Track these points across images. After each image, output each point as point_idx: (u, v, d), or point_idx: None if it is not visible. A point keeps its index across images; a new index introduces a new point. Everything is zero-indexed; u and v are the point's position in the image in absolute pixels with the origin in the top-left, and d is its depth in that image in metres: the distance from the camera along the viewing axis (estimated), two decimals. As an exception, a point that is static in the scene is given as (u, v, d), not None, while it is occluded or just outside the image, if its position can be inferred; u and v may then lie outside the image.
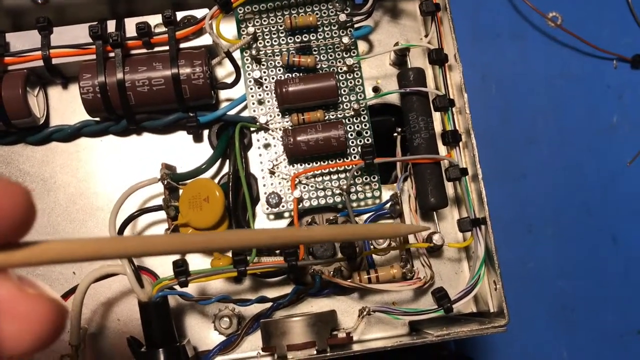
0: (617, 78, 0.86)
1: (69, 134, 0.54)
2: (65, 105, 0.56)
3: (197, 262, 0.52)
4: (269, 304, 0.51)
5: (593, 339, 0.82)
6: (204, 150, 0.55)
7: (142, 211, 0.51)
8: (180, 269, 0.47)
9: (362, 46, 0.57)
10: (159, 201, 0.53)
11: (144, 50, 0.53)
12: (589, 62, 0.87)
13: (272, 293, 0.52)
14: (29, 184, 0.54)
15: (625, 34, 0.87)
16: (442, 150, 0.53)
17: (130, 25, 0.53)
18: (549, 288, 0.82)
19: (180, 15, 0.54)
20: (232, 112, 0.54)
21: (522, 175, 0.82)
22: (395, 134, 0.55)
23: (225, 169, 0.55)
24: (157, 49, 0.53)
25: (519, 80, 0.85)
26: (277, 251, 0.52)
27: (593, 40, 0.86)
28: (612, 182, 0.83)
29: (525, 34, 0.87)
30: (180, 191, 0.53)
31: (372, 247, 0.53)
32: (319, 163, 0.53)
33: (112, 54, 0.52)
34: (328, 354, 0.46)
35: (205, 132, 0.56)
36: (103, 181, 0.55)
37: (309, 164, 0.53)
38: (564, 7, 0.87)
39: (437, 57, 0.51)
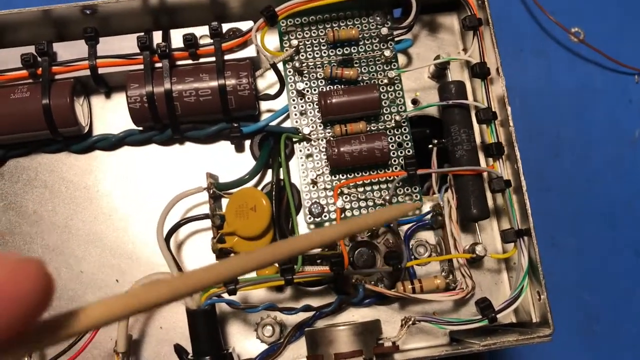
0: (638, 92, 0.87)
1: (113, 143, 0.55)
2: (109, 115, 0.57)
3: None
4: (311, 313, 0.51)
5: (616, 350, 0.82)
6: (245, 160, 0.56)
7: (188, 220, 0.52)
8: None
9: (401, 59, 0.58)
10: (201, 210, 0.54)
11: (189, 61, 0.54)
12: (611, 76, 0.88)
13: (313, 302, 0.53)
14: (72, 192, 0.55)
15: (647, 48, 0.88)
16: (483, 161, 0.54)
17: (175, 36, 0.54)
18: (572, 300, 0.82)
19: (225, 27, 0.54)
20: (274, 122, 0.55)
21: (547, 188, 0.83)
22: (431, 145, 0.56)
23: (267, 179, 0.55)
24: (202, 60, 0.54)
25: (543, 95, 0.86)
26: (319, 260, 0.52)
27: (615, 55, 0.87)
28: (635, 196, 0.84)
29: (548, 49, 0.88)
30: (224, 200, 0.53)
31: (413, 257, 0.53)
32: (360, 174, 0.54)
33: (158, 65, 0.53)
34: (375, 363, 0.47)
35: (247, 142, 0.56)
36: (146, 190, 0.55)
37: (350, 175, 0.54)
38: (587, 23, 0.88)
39: (480, 71, 0.52)
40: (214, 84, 0.52)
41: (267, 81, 0.57)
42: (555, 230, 0.83)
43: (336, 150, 0.52)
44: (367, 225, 0.42)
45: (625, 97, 0.87)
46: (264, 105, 0.57)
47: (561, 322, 0.82)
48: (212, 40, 0.53)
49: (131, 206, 0.55)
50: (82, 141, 0.55)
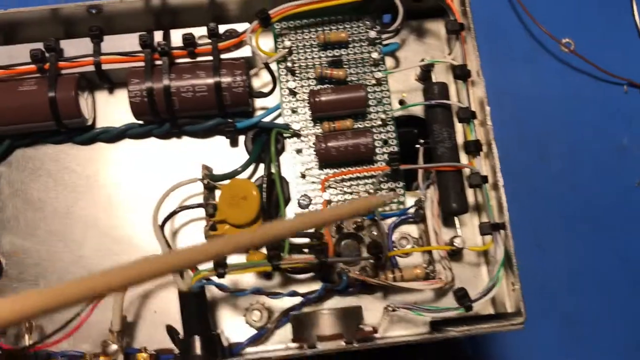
0: (627, 102, 0.90)
1: (115, 135, 0.58)
2: (111, 109, 0.60)
3: (234, 257, 0.55)
4: (298, 299, 0.54)
5: (601, 353, 0.84)
6: (239, 154, 0.59)
7: (183, 208, 0.55)
8: (219, 261, 0.50)
9: (389, 62, 0.61)
10: (196, 200, 0.57)
11: (188, 60, 0.57)
12: (600, 86, 0.90)
13: (300, 289, 0.55)
14: (75, 181, 0.58)
15: (636, 59, 0.91)
16: (464, 159, 0.57)
17: (174, 36, 0.57)
18: (558, 303, 0.85)
19: (222, 28, 0.57)
20: (267, 119, 0.58)
21: (533, 191, 0.86)
22: (418, 145, 0.59)
23: (259, 172, 0.58)
24: (199, 58, 0.57)
25: (533, 102, 0.89)
26: (306, 250, 0.55)
27: (604, 66, 0.89)
28: (621, 202, 0.86)
29: (539, 58, 0.91)
30: (217, 191, 0.56)
31: (395, 248, 0.56)
32: (347, 168, 0.57)
33: (158, 62, 0.56)
34: (355, 346, 0.49)
35: (241, 138, 0.59)
36: (144, 180, 0.58)
37: (338, 169, 0.57)
38: (577, 33, 0.91)
39: (461, 73, 0.55)
40: (210, 81, 0.55)
41: (261, 80, 0.60)
42: (540, 232, 0.86)
43: (324, 145, 0.55)
44: (349, 213, 0.45)
45: (614, 107, 0.90)
46: (258, 102, 0.60)
47: (546, 324, 0.84)
48: (209, 40, 0.56)
49: (130, 195, 0.58)
50: (85, 133, 0.58)
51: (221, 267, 0.50)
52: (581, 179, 0.87)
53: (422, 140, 0.59)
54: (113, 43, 0.57)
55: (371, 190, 0.55)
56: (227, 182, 0.56)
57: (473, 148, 0.53)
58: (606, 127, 0.89)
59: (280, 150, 0.58)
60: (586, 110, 0.89)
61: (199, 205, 0.55)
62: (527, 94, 0.89)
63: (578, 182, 0.86)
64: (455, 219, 0.56)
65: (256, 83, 0.60)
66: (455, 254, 0.56)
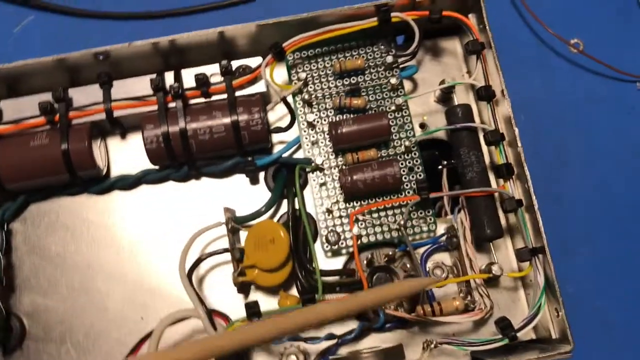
0: (641, 99, 0.88)
1: (131, 183, 0.56)
2: (124, 154, 0.58)
3: (265, 303, 0.53)
4: (334, 341, 0.52)
5: (635, 356, 0.82)
6: (260, 192, 0.57)
7: (209, 254, 0.53)
8: (253, 310, 0.48)
9: (406, 85, 0.59)
10: (220, 243, 0.55)
11: (202, 100, 0.55)
12: (612, 85, 0.89)
13: (334, 329, 0.53)
14: (93, 232, 0.56)
15: (646, 56, 0.89)
16: (493, 181, 0.55)
17: (185, 75, 0.56)
18: (587, 308, 0.83)
19: (234, 64, 0.56)
20: (286, 154, 0.56)
21: (556, 198, 0.84)
22: (440, 167, 0.57)
23: (282, 209, 0.56)
24: (213, 97, 0.55)
25: (546, 106, 0.87)
26: (338, 288, 0.53)
27: (615, 64, 0.88)
28: (645, 201, 0.85)
29: (548, 62, 0.89)
30: (242, 233, 0.55)
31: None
32: (374, 200, 0.55)
33: (171, 105, 0.54)
34: (400, 387, 0.48)
35: (261, 174, 0.57)
36: (165, 226, 0.56)
37: (364, 201, 0.55)
38: (585, 34, 0.89)
39: (486, 94, 0.53)
40: (227, 120, 0.53)
41: (276, 114, 0.58)
42: (566, 238, 0.84)
43: (349, 179, 0.53)
44: (392, 297, 0.43)
45: (628, 105, 0.88)
46: (276, 137, 0.58)
47: (578, 330, 0.83)
48: (222, 78, 0.55)
49: (152, 243, 0.56)
50: (101, 182, 0.56)
51: (255, 316, 0.48)
52: (604, 181, 0.85)
53: (445, 162, 0.57)
54: (123, 88, 0.55)
55: (401, 221, 0.53)
56: (251, 223, 0.54)
57: (505, 172, 0.52)
58: (622, 125, 0.88)
59: (303, 185, 0.56)
60: (601, 111, 0.88)
61: (225, 250, 0.53)
62: (540, 99, 0.88)
63: (601, 184, 0.85)
64: (490, 244, 0.54)
65: (271, 117, 0.58)
66: (491, 280, 0.54)
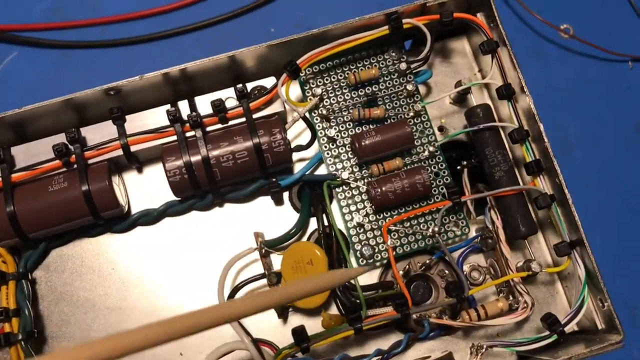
0: (635, 77, 0.89)
1: (155, 217, 0.55)
2: (143, 188, 0.57)
3: (312, 327, 0.52)
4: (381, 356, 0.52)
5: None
6: (285, 211, 0.56)
7: (246, 282, 0.52)
8: (301, 335, 0.47)
9: (421, 89, 0.58)
10: (253, 268, 0.54)
11: (219, 125, 0.54)
12: (605, 66, 0.90)
13: (377, 343, 0.53)
14: (121, 272, 0.55)
15: (635, 34, 0.90)
16: (520, 178, 0.55)
17: (199, 102, 0.54)
18: (608, 289, 0.84)
19: (249, 86, 0.55)
20: (309, 171, 0.56)
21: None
22: (459, 167, 0.57)
23: (310, 227, 0.56)
24: (230, 122, 0.54)
25: (543, 94, 0.87)
26: (381, 302, 0.52)
27: (605, 45, 0.89)
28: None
29: (541, 49, 0.90)
30: (273, 256, 0.54)
31: (469, 283, 0.54)
32: (403, 209, 0.54)
33: (189, 134, 0.53)
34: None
35: (285, 194, 0.57)
36: (194, 256, 0.55)
37: (394, 211, 0.54)
38: (574, 18, 0.90)
39: (506, 92, 0.53)
40: (249, 144, 0.52)
41: (293, 131, 0.58)
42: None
43: (379, 191, 0.52)
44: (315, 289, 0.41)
45: (623, 84, 0.89)
46: (295, 155, 0.57)
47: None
48: (238, 102, 0.53)
49: (183, 275, 0.55)
50: (123, 220, 0.54)
51: (304, 342, 0.47)
52: (607, 162, 0.86)
53: (464, 162, 0.56)
54: (135, 121, 0.54)
55: (435, 228, 0.53)
56: (283, 245, 0.53)
57: (535, 168, 0.51)
58: (620, 105, 0.88)
59: (330, 200, 0.55)
60: (597, 93, 0.89)
61: (261, 276, 0.52)
62: (535, 87, 0.87)
63: (604, 166, 0.86)
64: (525, 241, 0.54)
65: (290, 134, 0.57)
66: (528, 277, 0.54)
